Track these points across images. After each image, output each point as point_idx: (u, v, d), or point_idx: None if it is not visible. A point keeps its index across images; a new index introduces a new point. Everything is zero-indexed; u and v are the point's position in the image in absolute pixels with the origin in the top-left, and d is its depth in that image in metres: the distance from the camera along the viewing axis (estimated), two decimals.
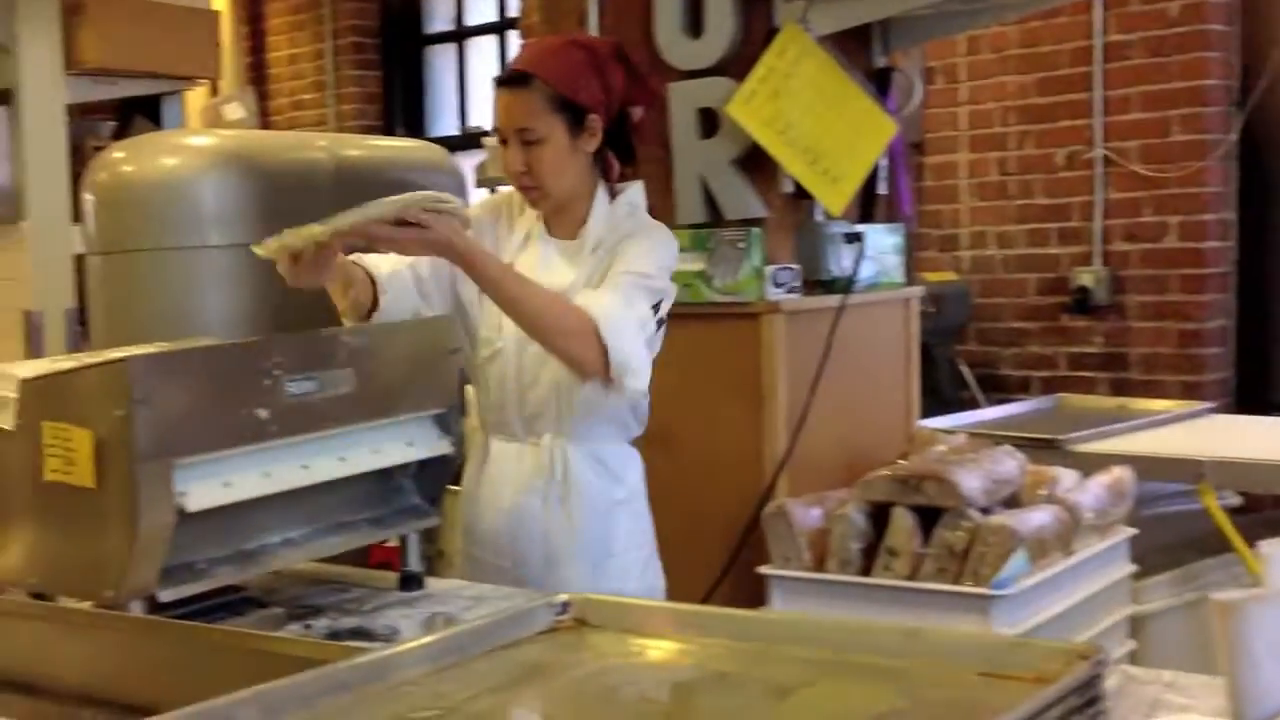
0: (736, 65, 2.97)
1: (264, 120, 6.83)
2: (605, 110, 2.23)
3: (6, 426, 1.83)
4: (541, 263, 2.25)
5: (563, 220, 2.28)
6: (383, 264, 2.19)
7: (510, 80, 2.21)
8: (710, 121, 3.01)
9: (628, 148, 2.33)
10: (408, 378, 2.03)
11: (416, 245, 2.04)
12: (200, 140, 2.77)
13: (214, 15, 4.27)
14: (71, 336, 3.75)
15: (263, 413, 1.82)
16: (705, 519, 2.89)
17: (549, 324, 2.11)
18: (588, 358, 2.10)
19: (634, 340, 2.13)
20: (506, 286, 2.11)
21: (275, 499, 1.89)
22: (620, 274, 2.17)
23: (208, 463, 1.78)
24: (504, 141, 2.23)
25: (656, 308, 2.20)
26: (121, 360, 1.72)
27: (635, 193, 2.32)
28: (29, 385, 1.81)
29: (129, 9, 3.77)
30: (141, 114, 4.69)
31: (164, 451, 1.71)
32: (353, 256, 2.17)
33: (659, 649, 1.37)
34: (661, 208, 2.53)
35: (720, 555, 2.88)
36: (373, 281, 2.17)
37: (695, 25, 3.03)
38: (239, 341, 2.09)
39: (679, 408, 2.75)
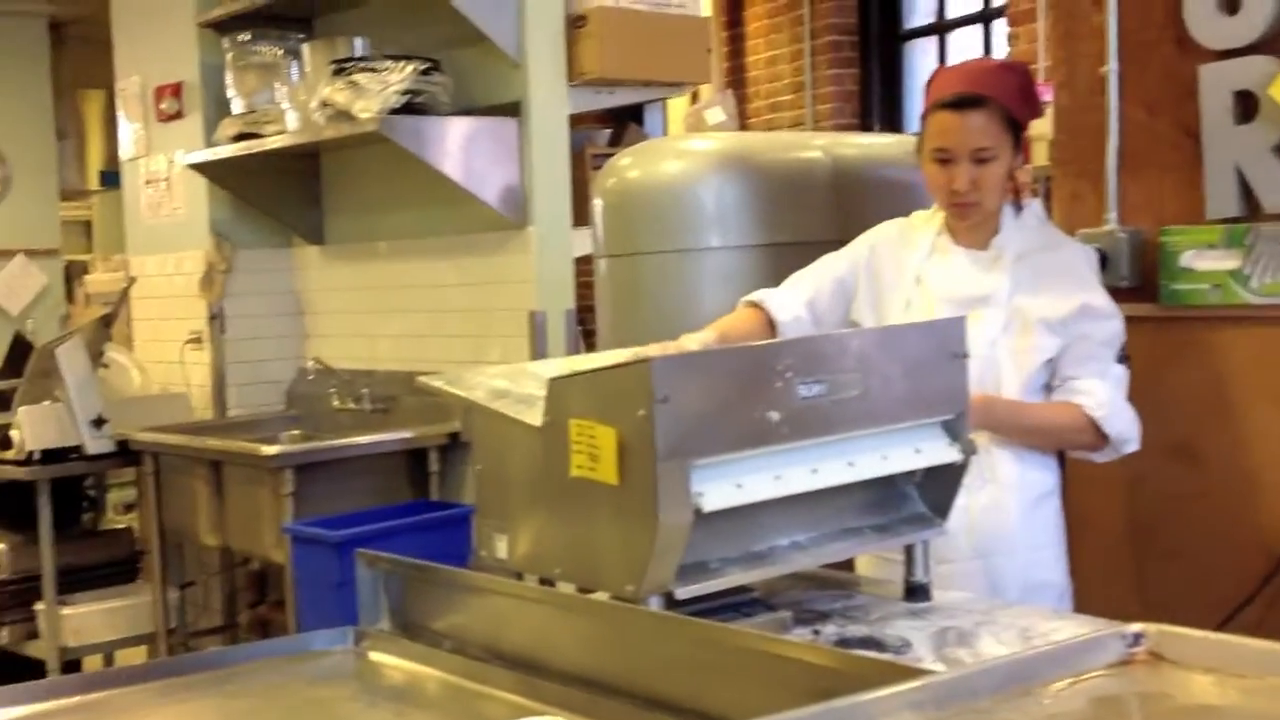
0: (1278, 42, 2.70)
1: (742, 123, 6.97)
2: (1027, 128, 2.40)
3: (535, 423, 1.93)
4: (953, 269, 2.38)
5: (974, 231, 2.37)
6: (782, 309, 2.40)
7: (967, 102, 2.31)
8: (1247, 105, 2.74)
9: None
10: (915, 382, 1.97)
11: None
12: (703, 144, 2.83)
13: (706, 23, 4.38)
14: (571, 337, 3.95)
15: (774, 415, 1.81)
16: (1232, 539, 2.64)
17: (1053, 439, 2.35)
18: (1089, 444, 2.33)
19: (1124, 413, 2.31)
20: (1017, 426, 2.33)
21: (783, 502, 1.88)
22: (1096, 346, 2.32)
23: (722, 464, 1.80)
24: (944, 161, 2.32)
25: (1123, 347, 2.34)
26: (645, 361, 1.76)
27: (1037, 205, 2.47)
28: (556, 384, 1.89)
29: (628, 20, 3.92)
30: (630, 121, 4.89)
31: (683, 451, 1.73)
32: (753, 295, 2.43)
33: (1251, 689, 1.23)
34: (1186, 201, 2.34)
35: (1247, 579, 2.62)
36: (772, 326, 2.39)
37: (1230, 1, 2.77)
38: (751, 344, 2.11)
39: (1205, 419, 2.53)
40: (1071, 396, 2.31)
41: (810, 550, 1.94)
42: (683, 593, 1.79)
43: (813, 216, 2.74)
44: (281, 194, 4.86)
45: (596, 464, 1.80)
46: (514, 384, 2.09)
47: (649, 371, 1.71)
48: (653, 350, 2.15)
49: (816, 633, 1.87)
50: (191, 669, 2.01)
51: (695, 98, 6.42)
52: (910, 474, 2.01)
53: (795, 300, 2.42)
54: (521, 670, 1.77)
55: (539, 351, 3.86)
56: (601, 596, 1.85)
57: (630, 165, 2.78)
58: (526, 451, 1.95)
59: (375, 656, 1.96)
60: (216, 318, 4.90)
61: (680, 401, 1.72)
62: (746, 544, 1.89)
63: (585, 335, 4.18)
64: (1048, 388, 2.35)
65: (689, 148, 2.80)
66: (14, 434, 4.49)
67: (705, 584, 1.82)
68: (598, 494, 1.79)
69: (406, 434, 4.15)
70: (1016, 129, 2.34)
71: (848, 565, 2.28)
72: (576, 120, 4.19)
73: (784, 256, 2.61)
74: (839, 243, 2.49)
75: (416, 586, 2.03)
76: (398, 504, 4.02)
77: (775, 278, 2.47)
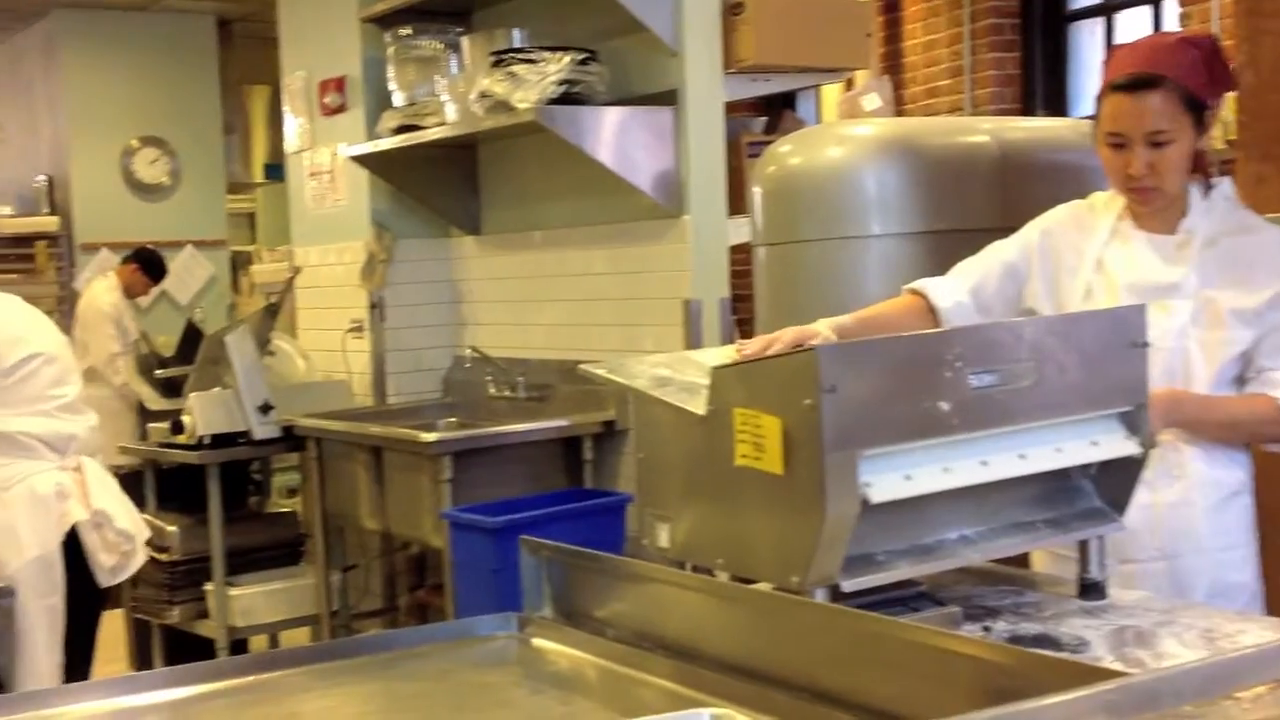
0: None
1: (898, 109, 6.85)
2: (1214, 105, 2.26)
3: (699, 411, 1.91)
4: (1137, 255, 2.28)
5: (1157, 215, 2.28)
6: (944, 296, 2.31)
7: (1140, 84, 2.19)
8: None
9: None
10: (1092, 372, 1.91)
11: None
12: (865, 129, 2.78)
13: (866, 7, 4.31)
14: (725, 325, 3.92)
15: (944, 405, 1.77)
16: None
17: (1246, 434, 2.26)
18: None
19: None
20: (1209, 421, 2.23)
21: (953, 495, 1.84)
22: None
23: (890, 455, 1.76)
24: (1119, 145, 2.21)
25: None
26: (811, 349, 1.73)
27: (1227, 185, 2.33)
28: (720, 372, 1.87)
29: (786, 6, 3.88)
30: (785, 108, 4.85)
31: (850, 442, 1.70)
32: (915, 283, 2.34)
33: None
34: None
35: None
36: (933, 313, 2.29)
37: None
38: (921, 332, 2.06)
39: None
40: (1267, 389, 2.21)
41: (979, 544, 1.89)
42: (849, 585, 1.75)
43: (978, 203, 2.67)
44: (440, 185, 4.93)
45: (761, 453, 1.77)
46: (676, 372, 2.08)
47: (815, 360, 1.68)
48: (788, 334, 2.11)
49: (987, 629, 1.82)
50: (357, 652, 2.04)
51: (850, 84, 6.33)
52: (1085, 467, 1.95)
53: (958, 286, 2.34)
54: (682, 659, 1.76)
55: (694, 340, 3.85)
56: (764, 587, 1.83)
57: (791, 152, 2.75)
58: (689, 440, 1.93)
59: (538, 643, 1.97)
60: (377, 306, 5.00)
61: (848, 391, 1.68)
62: (914, 537, 1.85)
63: (739, 324, 4.15)
64: (1239, 380, 2.25)
65: (851, 133, 2.75)
66: (185, 419, 4.64)
67: (872, 577, 1.78)
68: (762, 483, 1.77)
69: (562, 422, 4.18)
70: (1199, 107, 2.21)
71: (1020, 562, 2.21)
72: (730, 108, 4.16)
73: (947, 244, 2.55)
74: (1005, 230, 2.41)
75: (578, 574, 2.03)
76: (553, 491, 4.05)
77: (938, 266, 2.41)
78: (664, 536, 2.02)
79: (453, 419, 4.66)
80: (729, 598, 1.78)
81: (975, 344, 1.80)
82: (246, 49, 8.85)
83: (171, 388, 5.19)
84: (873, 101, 5.81)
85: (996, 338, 1.84)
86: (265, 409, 4.67)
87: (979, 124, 2.96)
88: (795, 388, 1.70)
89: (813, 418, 1.68)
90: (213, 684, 1.88)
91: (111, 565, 3.26)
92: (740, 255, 4.38)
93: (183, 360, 5.28)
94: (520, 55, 3.96)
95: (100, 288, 7.06)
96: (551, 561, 2.07)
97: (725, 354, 2.19)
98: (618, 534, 3.74)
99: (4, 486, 3.10)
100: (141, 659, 5.09)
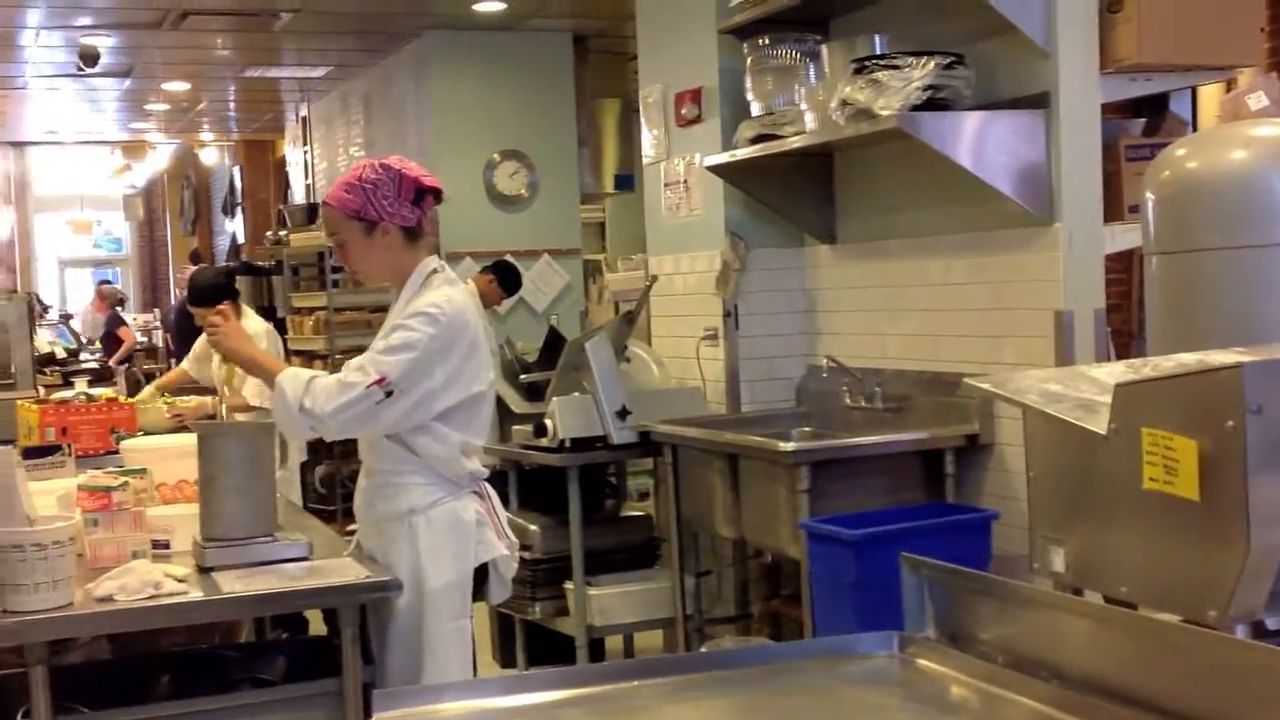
0: None
1: None
2: None
3: (1099, 430, 1.82)
4: None
5: None
6: None
7: None
8: None
9: None
10: None
11: None
12: (1271, 131, 2.58)
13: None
14: (1100, 338, 3.74)
15: None
16: None
17: None
18: None
19: None
20: None
21: None
22: None
23: None
24: None
25: None
26: (1235, 366, 1.61)
27: None
28: (1124, 390, 1.77)
29: (1171, 1, 3.67)
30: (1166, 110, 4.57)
31: (1278, 466, 1.57)
32: None
33: None
34: None
35: None
36: None
37: None
38: None
39: None
40: None
41: None
42: (1275, 623, 1.62)
43: None
44: (795, 194, 4.92)
45: (1174, 477, 1.67)
46: (1068, 387, 1.99)
47: (1240, 378, 1.56)
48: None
49: None
50: (736, 663, 2.05)
51: (1231, 84, 5.94)
52: None
53: None
54: (1082, 692, 1.67)
55: (1065, 352, 3.69)
56: (1172, 619, 1.72)
57: (1188, 155, 2.58)
58: (1087, 459, 1.84)
59: (923, 664, 1.92)
60: (731, 315, 5.03)
61: (1275, 412, 1.56)
62: None
63: (1113, 335, 3.95)
64: None
65: (1258, 135, 2.56)
66: (547, 422, 4.80)
67: None
68: (1174, 509, 1.66)
69: (921, 434, 4.09)
70: None
71: None
72: (1103, 110, 3.97)
73: None
74: None
75: (962, 594, 1.97)
76: (911, 505, 3.97)
77: None
78: (1057, 560, 1.94)
79: (806, 428, 4.64)
80: (1133, 630, 1.68)
81: None
82: (599, 63, 9.13)
83: (534, 392, 5.39)
84: (1260, 101, 5.41)
85: None
86: (622, 414, 4.78)
87: None
88: (1215, 408, 1.59)
89: (1235, 441, 1.57)
90: (586, 688, 1.93)
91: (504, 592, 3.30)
92: (1114, 265, 4.18)
93: (545, 365, 5.47)
94: (883, 62, 3.90)
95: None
96: (933, 580, 2.02)
97: (1115, 371, 2.07)
98: (984, 552, 3.62)
99: (428, 507, 3.11)
100: (505, 653, 5.31)
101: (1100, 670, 1.68)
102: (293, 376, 3.04)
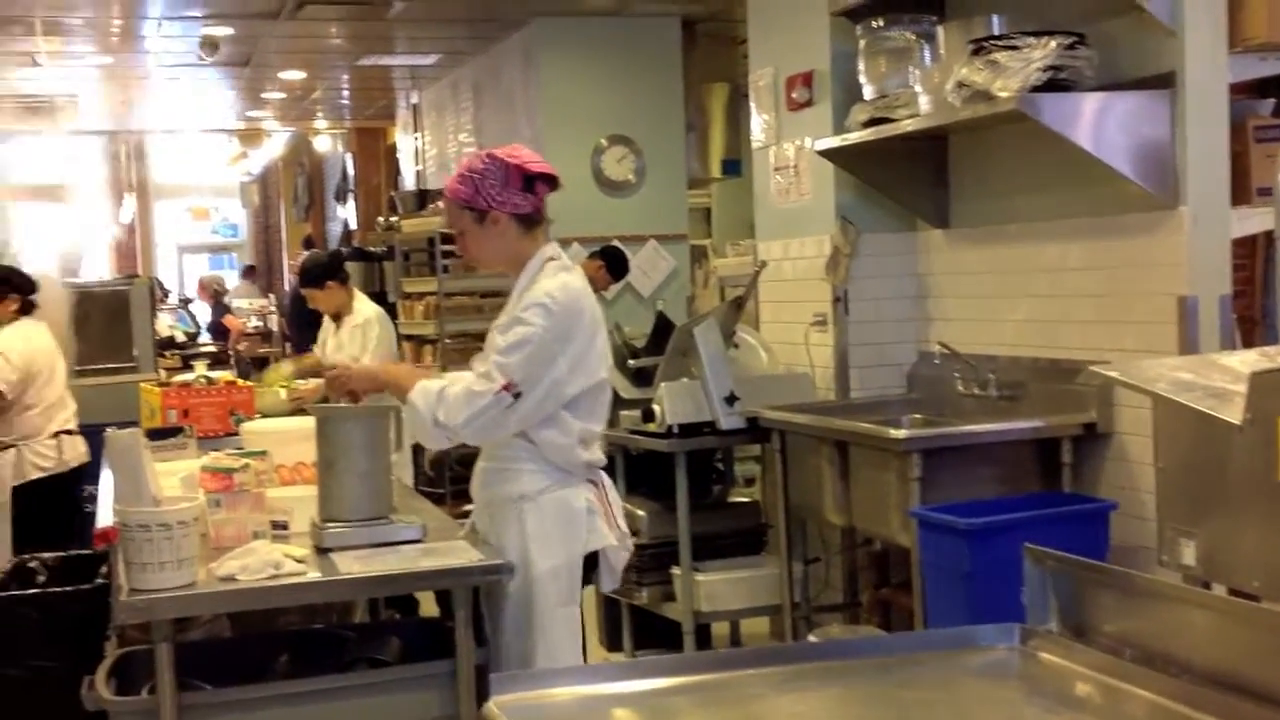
0: None
1: None
2: None
3: (1234, 420, 1.76)
4: None
5: None
6: None
7: None
8: None
9: None
10: None
11: None
12: None
13: None
14: (1225, 324, 3.64)
15: None
16: None
17: None
18: None
19: None
20: None
21: None
22: None
23: None
24: None
25: None
26: None
27: None
28: (1262, 378, 1.72)
29: None
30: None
31: None
32: None
33: None
34: None
35: None
36: None
37: None
38: None
39: None
40: None
41: None
42: None
43: None
44: (907, 178, 4.86)
45: None
46: (1200, 376, 1.93)
47: None
48: None
49: None
50: (854, 653, 2.03)
51: None
52: None
53: None
54: (1209, 686, 1.63)
55: (1189, 339, 3.59)
56: None
57: None
58: (1221, 450, 1.79)
59: (1046, 658, 1.88)
60: (840, 300, 4.98)
61: None
62: None
63: (1239, 322, 3.84)
64: None
65: None
66: (656, 408, 4.80)
67: None
68: None
69: (1037, 423, 4.02)
70: None
71: None
72: (1231, 90, 3.85)
73: None
74: None
75: (1088, 587, 1.93)
76: (1026, 494, 3.90)
77: None
78: (1188, 553, 1.88)
79: (918, 415, 4.58)
80: (1266, 624, 1.63)
81: None
82: (707, 48, 9.09)
83: (642, 377, 5.39)
84: None
85: None
86: (730, 400, 4.76)
87: None
88: None
89: None
90: (696, 675, 1.92)
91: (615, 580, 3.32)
92: (1238, 249, 4.06)
93: (653, 351, 5.46)
94: (1002, 42, 3.83)
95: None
96: (1058, 573, 1.98)
97: (1249, 359, 2.01)
98: (1102, 544, 3.54)
99: (538, 494, 3.12)
100: (611, 636, 5.33)
101: (1228, 665, 1.64)
102: (423, 392, 3.08)
